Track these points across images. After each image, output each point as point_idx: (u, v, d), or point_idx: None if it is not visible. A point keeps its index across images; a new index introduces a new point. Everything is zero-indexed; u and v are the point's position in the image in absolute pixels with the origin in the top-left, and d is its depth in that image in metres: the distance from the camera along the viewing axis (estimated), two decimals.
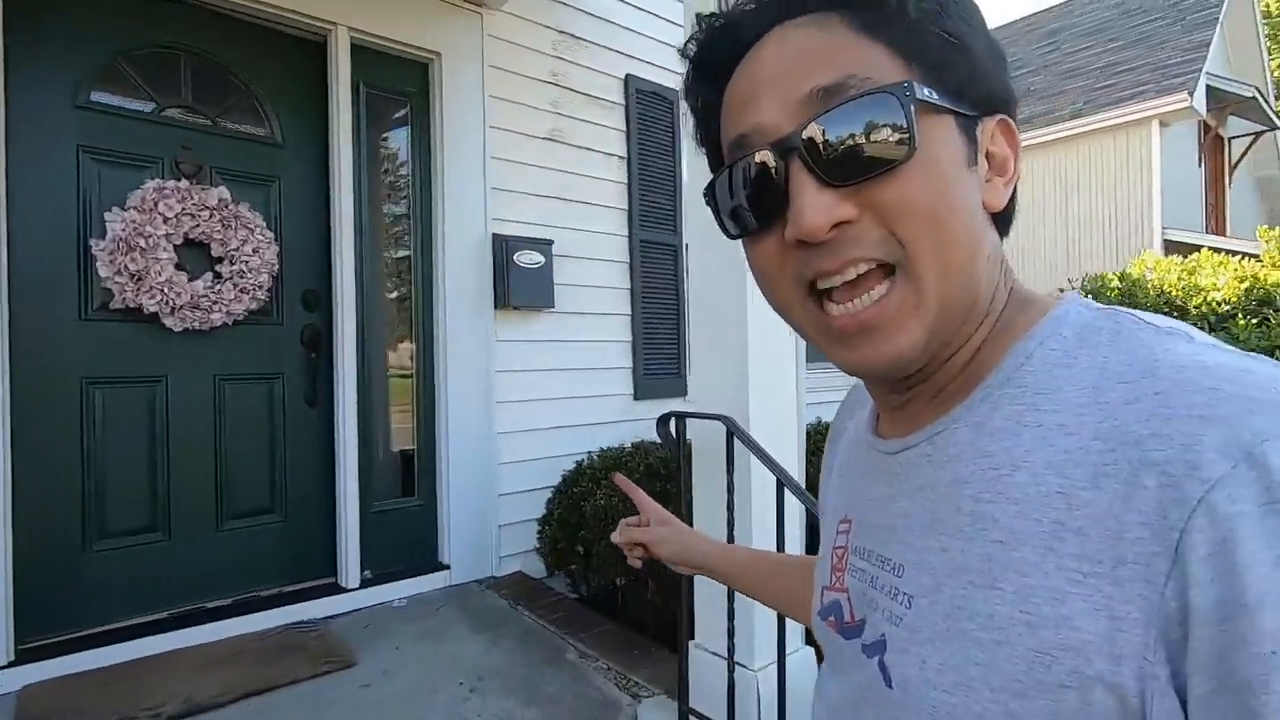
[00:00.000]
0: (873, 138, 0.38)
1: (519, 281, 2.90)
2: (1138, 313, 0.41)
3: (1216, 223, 10.90)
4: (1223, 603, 0.29)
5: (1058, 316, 0.41)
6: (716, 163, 0.49)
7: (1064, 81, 10.45)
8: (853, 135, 0.39)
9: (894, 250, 0.39)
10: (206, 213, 2.25)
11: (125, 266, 2.09)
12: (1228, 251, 8.04)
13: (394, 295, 2.84)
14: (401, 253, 2.85)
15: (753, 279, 0.47)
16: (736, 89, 0.44)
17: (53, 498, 2.07)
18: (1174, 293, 2.91)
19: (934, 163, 0.39)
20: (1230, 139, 11.12)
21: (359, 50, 2.64)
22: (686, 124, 0.51)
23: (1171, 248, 9.10)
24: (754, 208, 0.43)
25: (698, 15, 0.47)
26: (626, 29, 3.41)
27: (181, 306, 2.20)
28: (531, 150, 3.04)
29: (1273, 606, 0.28)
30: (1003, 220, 0.45)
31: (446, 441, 2.78)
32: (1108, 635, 0.32)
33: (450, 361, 2.80)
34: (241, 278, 2.32)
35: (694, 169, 1.93)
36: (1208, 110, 9.19)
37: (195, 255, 2.31)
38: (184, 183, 2.24)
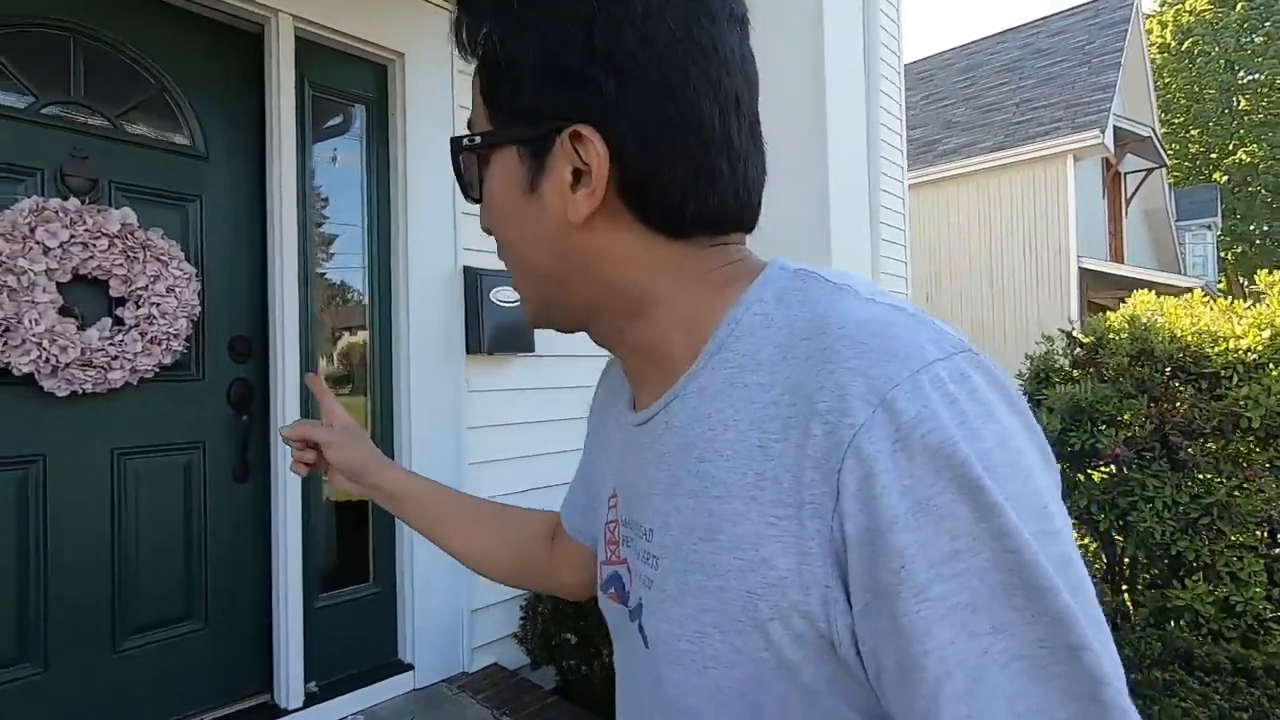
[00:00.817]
0: (462, 178, 0.49)
1: (495, 322, 2.48)
2: (823, 271, 0.44)
3: (1116, 252, 11.67)
4: (867, 529, 0.34)
5: (761, 282, 0.45)
6: None
7: (984, 115, 10.91)
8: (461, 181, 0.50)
9: (505, 263, 0.50)
10: (104, 241, 1.73)
11: None
12: (1140, 281, 8.54)
13: (344, 341, 2.36)
14: (353, 289, 2.37)
15: None
16: None
17: None
18: (1188, 338, 2.79)
19: (492, 200, 0.48)
20: (1125, 174, 11.96)
21: (305, 45, 2.17)
22: None
23: (1086, 275, 9.61)
24: None
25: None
26: None
27: (68, 365, 1.66)
28: None
29: (900, 529, 0.33)
30: (661, 220, 0.45)
31: None
32: (797, 570, 0.37)
33: (414, 417, 2.34)
34: (151, 324, 1.80)
35: None
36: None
37: (89, 296, 1.77)
38: (73, 202, 1.71)
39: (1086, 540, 3.35)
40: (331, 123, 2.33)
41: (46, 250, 1.64)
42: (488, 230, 0.50)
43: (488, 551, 0.75)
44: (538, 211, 0.45)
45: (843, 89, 1.32)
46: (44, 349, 1.62)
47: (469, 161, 0.48)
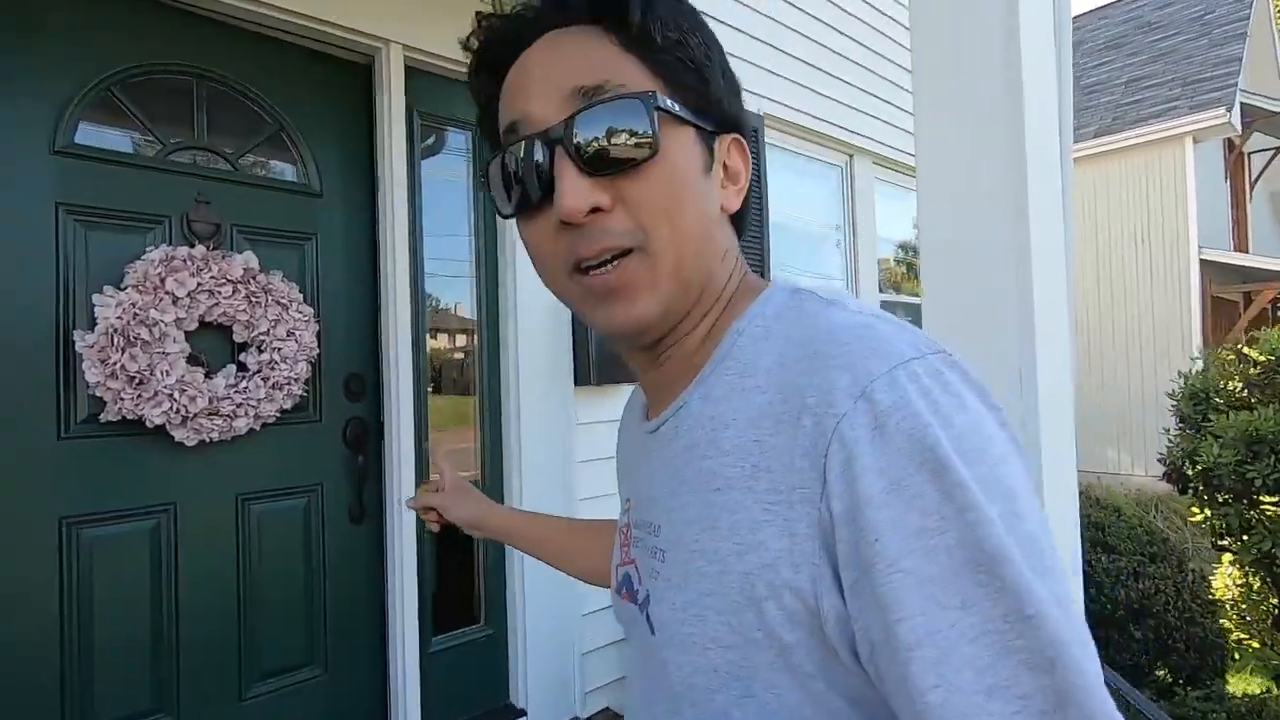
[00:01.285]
0: (624, 138, 0.45)
1: (602, 351, 2.38)
2: (818, 290, 0.49)
3: (1239, 240, 10.64)
4: (849, 507, 0.37)
5: (764, 299, 0.50)
6: (495, 147, 0.52)
7: (1086, 98, 10.14)
8: (608, 132, 0.45)
9: (637, 237, 0.46)
10: (228, 287, 1.70)
11: (122, 367, 1.54)
12: (1271, 272, 7.69)
13: (454, 373, 2.30)
14: (463, 320, 2.31)
15: None
16: (512, 81, 0.50)
17: (16, 689, 1.50)
18: None
19: (673, 165, 0.47)
20: (1250, 154, 10.89)
21: (414, 73, 2.11)
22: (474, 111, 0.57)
23: (1208, 268, 8.78)
24: (525, 190, 0.48)
25: (478, 14, 0.53)
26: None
27: (196, 414, 1.65)
28: None
29: (876, 506, 0.36)
30: (739, 223, 0.54)
31: (520, 552, 2.24)
32: (789, 550, 0.40)
33: (524, 453, 2.26)
34: (273, 369, 1.78)
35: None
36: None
37: (214, 342, 1.76)
38: (198, 248, 1.69)
39: (1257, 582, 2.98)
40: (440, 151, 2.28)
41: (175, 300, 1.62)
42: (592, 211, 0.45)
43: (591, 563, 0.83)
44: (710, 190, 0.50)
45: (1035, 36, 1.10)
46: (175, 400, 1.60)
47: (641, 126, 0.46)
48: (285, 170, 1.95)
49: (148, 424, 1.60)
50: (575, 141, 0.45)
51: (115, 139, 1.67)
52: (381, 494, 2.06)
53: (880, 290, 3.96)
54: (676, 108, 0.47)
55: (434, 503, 0.91)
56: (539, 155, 0.46)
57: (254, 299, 1.75)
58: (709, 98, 0.49)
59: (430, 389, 2.20)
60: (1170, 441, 2.91)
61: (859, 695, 0.40)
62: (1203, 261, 8.68)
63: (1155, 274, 8.89)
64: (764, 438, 0.42)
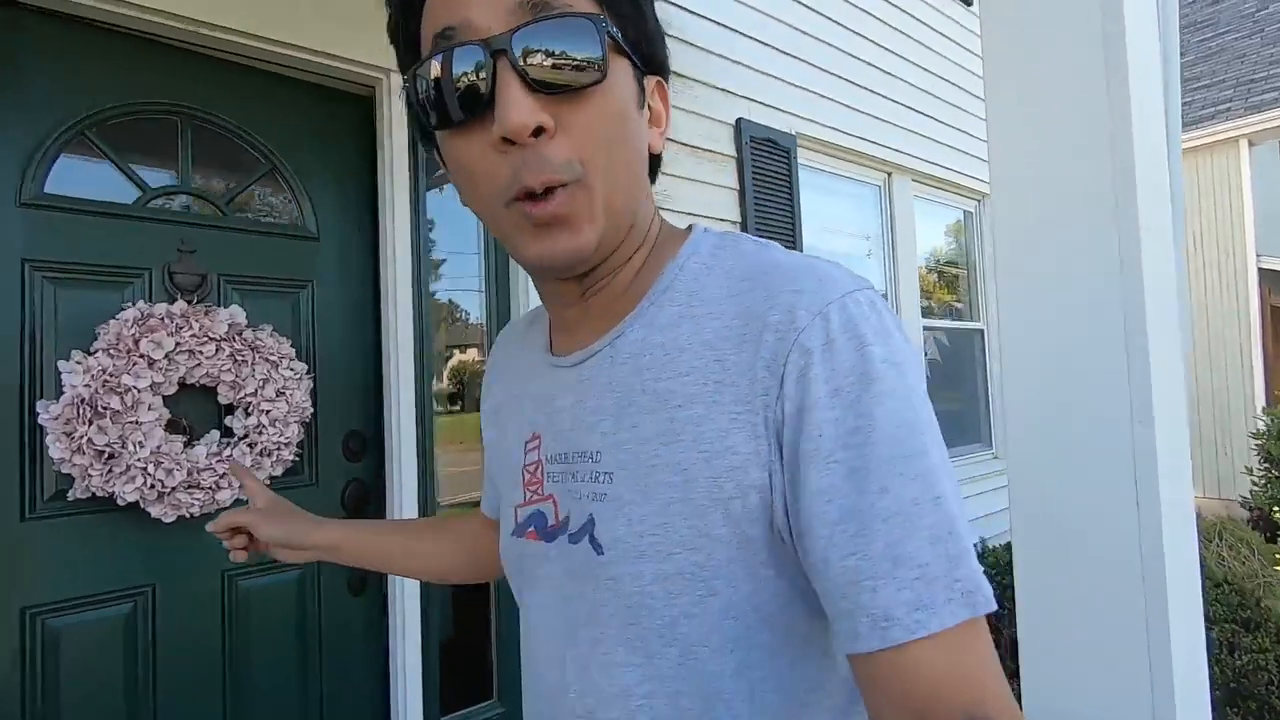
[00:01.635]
0: (571, 58, 0.44)
1: None
2: (744, 234, 0.54)
3: None
4: (799, 408, 0.43)
5: (696, 240, 0.53)
6: (412, 58, 0.50)
7: None
8: (555, 51, 0.44)
9: (575, 170, 0.45)
10: (210, 346, 1.55)
11: (89, 440, 1.38)
12: None
13: (464, 429, 2.13)
14: (473, 367, 2.14)
15: None
16: None
17: None
18: None
19: (615, 94, 0.47)
20: None
21: None
22: (387, 20, 0.53)
23: (1266, 276, 8.29)
24: (460, 103, 0.45)
25: None
26: (738, 63, 2.72)
27: (174, 489, 1.49)
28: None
29: (821, 408, 0.42)
30: (654, 168, 0.56)
31: None
32: (755, 450, 0.44)
33: None
34: (261, 434, 1.62)
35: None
36: None
37: (196, 405, 1.60)
38: (179, 304, 1.54)
39: None
40: (446, 185, 2.11)
41: (151, 363, 1.47)
42: (535, 131, 0.44)
43: (441, 561, 0.83)
44: (641, 126, 0.51)
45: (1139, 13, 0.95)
46: (149, 475, 1.44)
47: (592, 43, 0.45)
48: (279, 213, 1.80)
49: (119, 501, 1.44)
50: (521, 54, 0.43)
51: (90, 186, 1.53)
52: None
53: (923, 315, 3.71)
54: (619, 36, 0.47)
55: (241, 521, 0.81)
56: (479, 65, 0.44)
57: (239, 357, 1.59)
58: (645, 33, 0.50)
59: (438, 446, 2.03)
60: (1255, 484, 2.61)
61: (793, 574, 0.46)
62: (1261, 270, 8.21)
63: (1209, 284, 8.43)
64: (724, 356, 0.46)
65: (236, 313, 1.61)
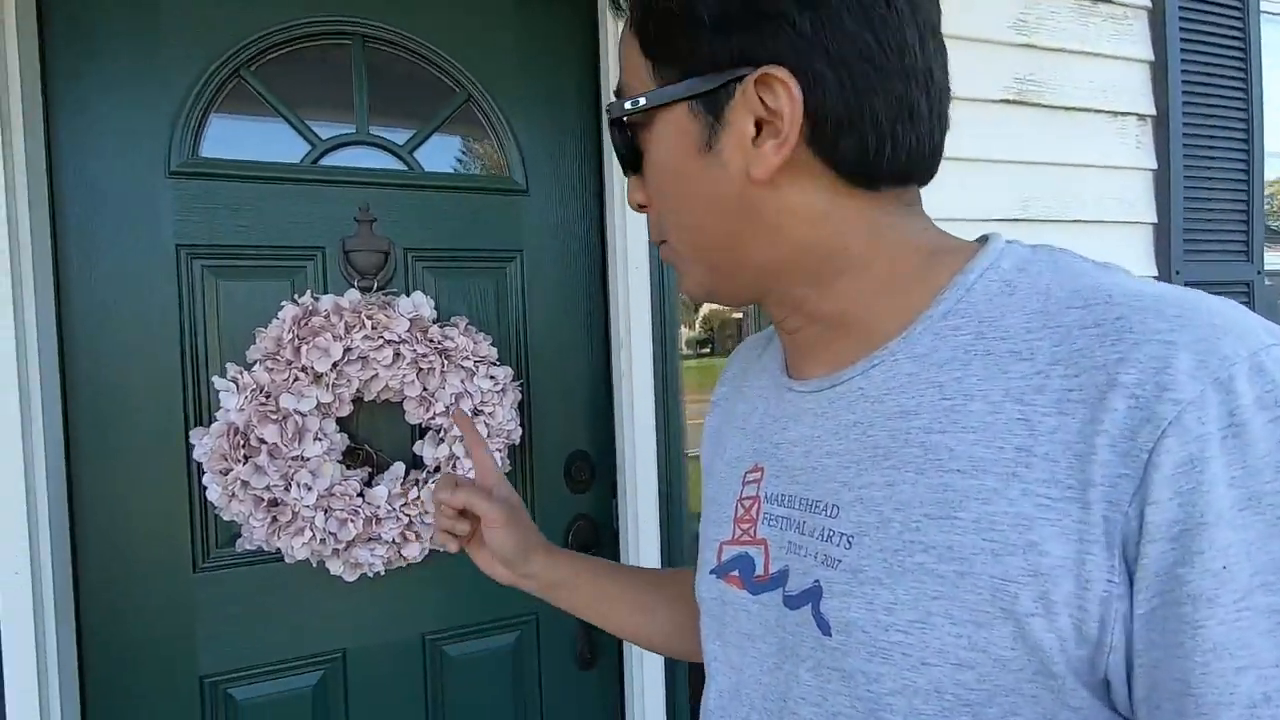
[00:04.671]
0: (618, 150, 0.47)
1: None
2: (1068, 250, 0.40)
3: None
4: (1178, 520, 0.29)
5: (997, 250, 0.41)
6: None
7: None
8: (614, 142, 0.47)
9: (662, 231, 0.48)
10: (387, 351, 1.13)
11: (243, 484, 1.05)
12: None
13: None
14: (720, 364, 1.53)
15: None
16: None
17: None
18: None
19: (660, 164, 0.45)
20: None
21: None
22: None
23: None
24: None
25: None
26: None
27: (352, 542, 1.12)
28: (979, 128, 1.50)
29: (1225, 526, 0.29)
30: (846, 169, 0.41)
31: None
32: (1077, 559, 0.32)
33: None
34: (455, 467, 1.19)
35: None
36: None
37: (380, 426, 1.23)
38: (350, 295, 1.15)
39: None
40: None
41: (317, 377, 1.09)
42: (640, 207, 0.49)
43: (680, 626, 0.66)
44: (714, 171, 0.42)
45: None
46: (317, 528, 1.08)
47: (627, 131, 0.46)
48: (478, 159, 1.34)
49: (288, 558, 1.11)
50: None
51: (251, 143, 1.18)
52: None
53: None
54: (641, 103, 0.43)
55: (481, 510, 0.64)
56: None
57: (424, 364, 1.16)
58: (698, 45, 0.40)
59: (687, 468, 1.47)
60: None
61: None
62: None
63: None
64: (1036, 416, 0.34)
65: (421, 304, 1.18)
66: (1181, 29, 1.65)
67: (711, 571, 0.51)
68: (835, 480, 0.41)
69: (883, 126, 0.39)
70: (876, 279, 0.42)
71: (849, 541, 0.39)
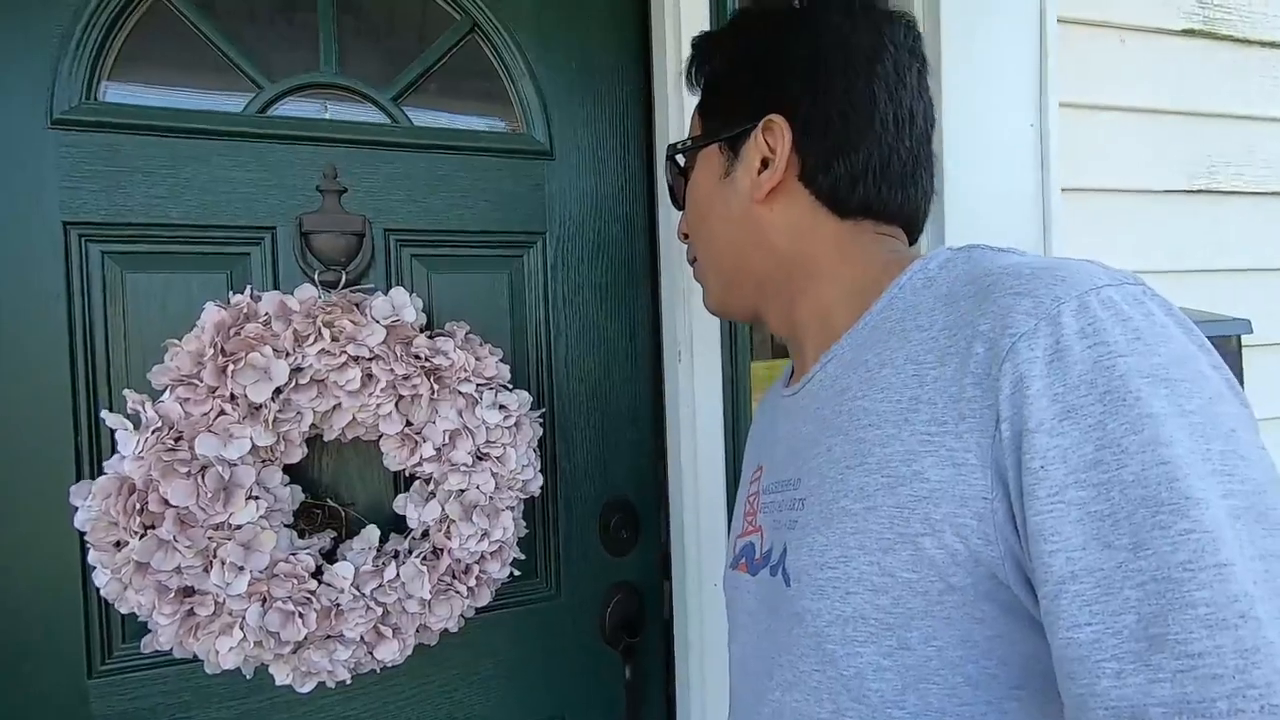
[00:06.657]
0: (671, 184, 0.64)
1: None
2: (987, 245, 0.47)
3: None
4: (1017, 432, 0.35)
5: (930, 255, 0.48)
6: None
7: None
8: (668, 181, 0.65)
9: (693, 253, 0.63)
10: (353, 372, 0.79)
11: (138, 565, 0.72)
12: None
13: None
14: None
15: None
16: None
17: None
18: None
19: (695, 195, 0.60)
20: None
21: None
22: None
23: None
24: None
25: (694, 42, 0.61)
26: None
27: (303, 644, 0.78)
28: (1151, 65, 1.13)
29: (1045, 432, 0.34)
30: (823, 199, 0.53)
31: None
32: (952, 481, 0.37)
33: None
34: (450, 534, 0.84)
35: None
36: None
37: (348, 467, 0.89)
38: (305, 293, 0.82)
39: None
40: None
41: (253, 410, 0.76)
42: (684, 237, 0.64)
43: None
44: (729, 192, 0.56)
45: None
46: (250, 627, 0.75)
47: (678, 170, 0.62)
48: (484, 110, 1.00)
49: (207, 669, 0.77)
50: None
51: (173, 84, 0.86)
52: None
53: None
54: (688, 142, 0.60)
55: None
56: None
57: (406, 389, 0.82)
58: (727, 106, 0.56)
59: None
60: None
61: (1038, 654, 0.37)
62: None
63: None
64: (924, 371, 0.41)
65: (403, 304, 0.84)
66: None
67: (729, 565, 0.59)
68: (799, 457, 0.50)
69: (855, 170, 0.51)
70: (842, 288, 0.52)
71: (802, 504, 0.47)
